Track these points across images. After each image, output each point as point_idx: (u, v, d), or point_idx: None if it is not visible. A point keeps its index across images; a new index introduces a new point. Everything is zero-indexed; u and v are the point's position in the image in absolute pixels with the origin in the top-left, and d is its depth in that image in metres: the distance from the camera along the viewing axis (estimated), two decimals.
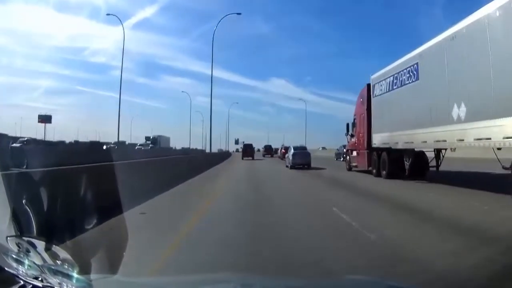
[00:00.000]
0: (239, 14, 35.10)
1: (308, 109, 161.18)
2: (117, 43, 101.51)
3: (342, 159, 30.17)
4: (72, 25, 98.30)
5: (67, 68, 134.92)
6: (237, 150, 77.99)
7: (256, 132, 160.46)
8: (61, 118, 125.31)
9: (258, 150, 62.79)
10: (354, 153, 19.24)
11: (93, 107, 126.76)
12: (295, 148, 25.08)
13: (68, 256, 1.87)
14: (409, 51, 13.61)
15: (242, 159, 40.24)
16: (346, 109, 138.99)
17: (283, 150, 43.26)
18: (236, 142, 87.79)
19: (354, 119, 19.34)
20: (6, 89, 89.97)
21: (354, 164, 19.21)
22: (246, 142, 51.08)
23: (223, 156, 45.08)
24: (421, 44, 12.75)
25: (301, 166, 22.92)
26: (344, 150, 24.56)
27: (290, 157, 23.59)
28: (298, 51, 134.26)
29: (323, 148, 72.12)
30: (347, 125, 20.36)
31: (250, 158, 40.69)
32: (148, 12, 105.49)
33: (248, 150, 42.20)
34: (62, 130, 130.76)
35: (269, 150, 57.18)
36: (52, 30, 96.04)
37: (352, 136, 19.83)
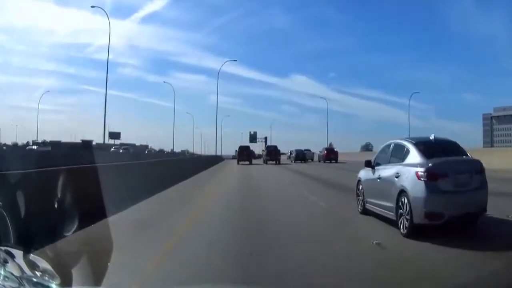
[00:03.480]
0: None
1: (330, 108, 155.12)
2: (124, 38, 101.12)
3: None
4: (74, 20, 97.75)
5: (70, 66, 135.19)
6: (232, 157, 58.35)
7: (274, 132, 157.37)
8: (64, 119, 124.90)
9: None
10: None
11: (98, 107, 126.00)
12: (429, 148, 6.27)
13: (48, 266, 1.84)
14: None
15: (238, 163, 36.04)
16: (372, 108, 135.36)
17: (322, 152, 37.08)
18: (253, 138, 71.14)
19: None
20: (4, 89, 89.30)
21: None
22: (243, 145, 43.84)
23: (199, 166, 25.87)
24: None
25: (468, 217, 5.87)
26: None
27: (418, 193, 5.68)
28: (320, 45, 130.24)
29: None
30: None
31: (247, 162, 36.69)
32: (157, 4, 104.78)
33: (244, 153, 38.53)
34: (64, 132, 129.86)
35: (273, 154, 39.11)
36: (53, 25, 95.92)
37: None
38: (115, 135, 72.89)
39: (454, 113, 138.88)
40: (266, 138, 75.78)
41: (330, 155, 40.64)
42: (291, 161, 43.25)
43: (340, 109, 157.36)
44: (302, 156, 43.96)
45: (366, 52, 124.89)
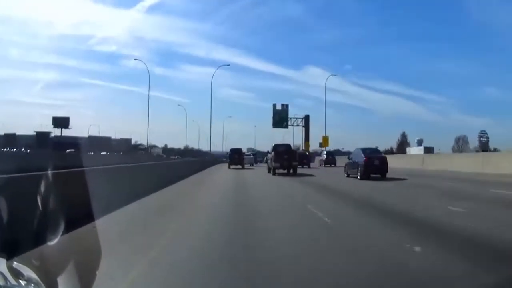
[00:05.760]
0: None
1: (345, 102, 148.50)
2: (128, 29, 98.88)
3: None
4: (75, 11, 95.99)
5: (71, 59, 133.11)
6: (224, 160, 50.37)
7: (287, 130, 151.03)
8: (64, 114, 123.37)
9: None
10: None
11: (102, 102, 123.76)
12: None
13: (33, 274, 1.81)
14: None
15: (229, 167, 36.41)
16: (389, 101, 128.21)
17: None
18: (280, 119, 54.65)
19: None
20: (1, 83, 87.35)
21: None
22: (234, 147, 41.86)
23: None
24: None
25: None
26: None
27: None
28: (334, 36, 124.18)
29: None
30: None
31: (239, 166, 37.10)
32: None
33: (236, 157, 38.85)
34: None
35: (286, 158, 24.22)
36: (52, 16, 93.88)
37: None
38: (60, 122, 53.96)
39: (476, 108, 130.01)
40: (307, 117, 48.62)
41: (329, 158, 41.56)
42: (355, 176, 19.50)
43: (354, 103, 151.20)
44: (381, 164, 19.30)
45: (383, 43, 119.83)
